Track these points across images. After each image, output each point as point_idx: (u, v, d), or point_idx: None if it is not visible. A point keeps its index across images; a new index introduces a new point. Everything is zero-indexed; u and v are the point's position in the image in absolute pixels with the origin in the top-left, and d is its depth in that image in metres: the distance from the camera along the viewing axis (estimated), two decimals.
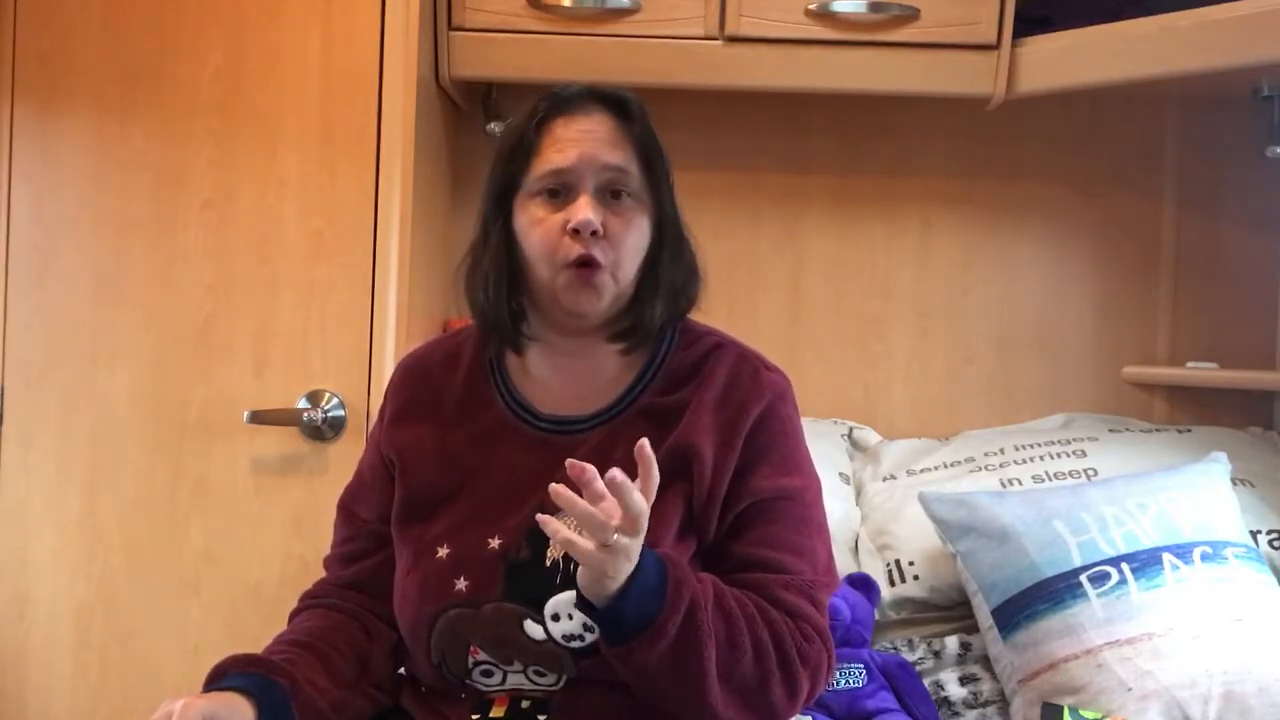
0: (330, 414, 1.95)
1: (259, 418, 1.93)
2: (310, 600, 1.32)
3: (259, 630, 1.96)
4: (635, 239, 1.20)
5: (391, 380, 1.35)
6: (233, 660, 1.16)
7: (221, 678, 1.14)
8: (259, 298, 1.97)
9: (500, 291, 1.22)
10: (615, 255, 1.19)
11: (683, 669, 1.09)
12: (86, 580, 1.99)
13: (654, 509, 1.16)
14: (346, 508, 1.34)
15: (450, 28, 1.97)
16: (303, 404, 1.96)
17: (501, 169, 1.23)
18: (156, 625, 1.99)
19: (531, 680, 1.18)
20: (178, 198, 1.96)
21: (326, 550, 1.37)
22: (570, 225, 1.16)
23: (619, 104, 1.21)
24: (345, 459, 1.96)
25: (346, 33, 1.94)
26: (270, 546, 1.97)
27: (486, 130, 2.15)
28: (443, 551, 1.20)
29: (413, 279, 1.92)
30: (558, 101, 1.20)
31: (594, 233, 1.16)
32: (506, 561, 1.17)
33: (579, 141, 1.18)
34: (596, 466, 1.13)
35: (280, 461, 1.98)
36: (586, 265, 1.17)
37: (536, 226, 1.19)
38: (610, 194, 1.19)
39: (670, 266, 1.24)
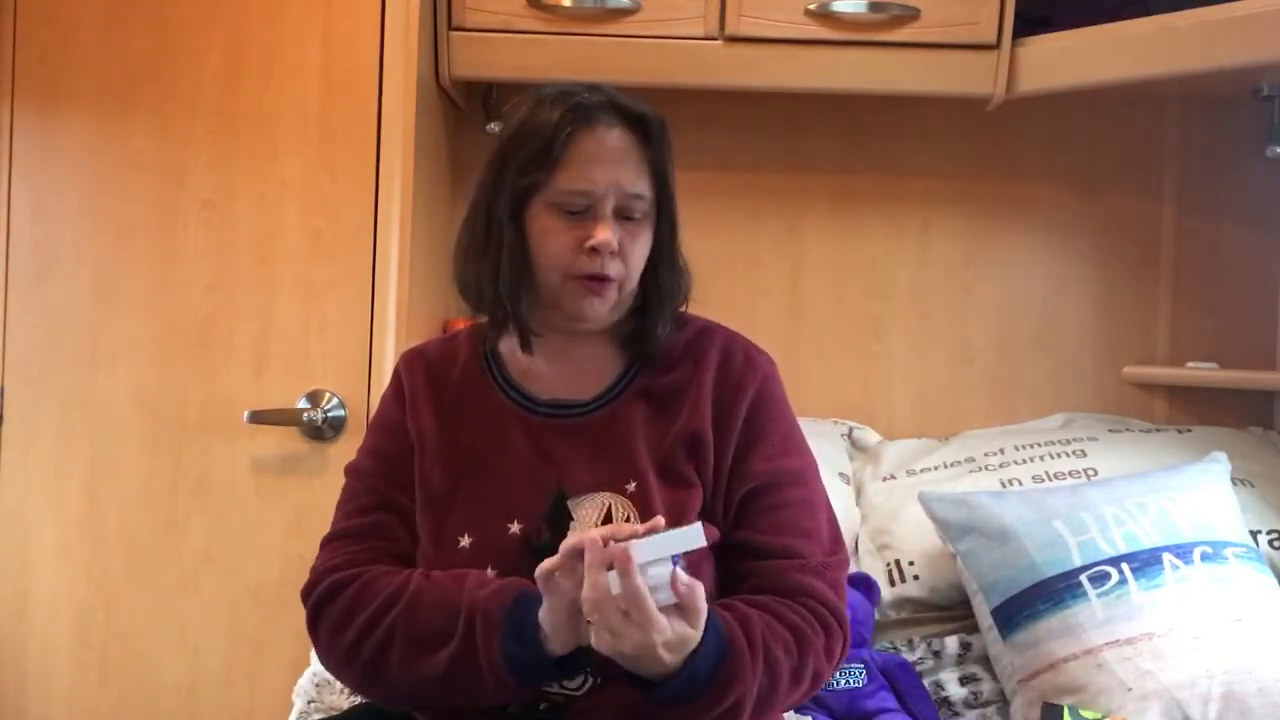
0: (330, 414, 1.95)
1: (259, 418, 1.93)
2: (339, 578, 1.23)
3: (259, 630, 1.99)
4: (642, 252, 1.24)
5: (398, 369, 1.35)
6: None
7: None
8: (259, 298, 1.97)
9: (517, 291, 1.24)
10: (625, 269, 1.22)
11: None
12: (86, 580, 1.99)
13: (676, 497, 1.19)
14: (358, 472, 1.31)
15: (450, 28, 1.96)
16: (303, 404, 1.96)
17: (517, 169, 1.21)
18: (156, 625, 1.99)
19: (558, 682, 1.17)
20: (178, 198, 1.97)
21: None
22: (590, 245, 1.19)
23: (640, 123, 1.22)
24: (345, 459, 1.93)
25: (346, 33, 1.94)
26: (270, 546, 1.98)
27: (486, 130, 2.14)
28: (465, 541, 1.20)
29: (413, 279, 1.92)
30: (583, 113, 1.20)
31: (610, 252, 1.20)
32: (530, 547, 1.18)
33: (605, 164, 1.19)
34: (603, 445, 1.20)
35: (280, 461, 1.98)
36: (597, 279, 1.21)
37: (552, 237, 1.21)
38: (625, 214, 1.22)
39: (669, 274, 1.28)
